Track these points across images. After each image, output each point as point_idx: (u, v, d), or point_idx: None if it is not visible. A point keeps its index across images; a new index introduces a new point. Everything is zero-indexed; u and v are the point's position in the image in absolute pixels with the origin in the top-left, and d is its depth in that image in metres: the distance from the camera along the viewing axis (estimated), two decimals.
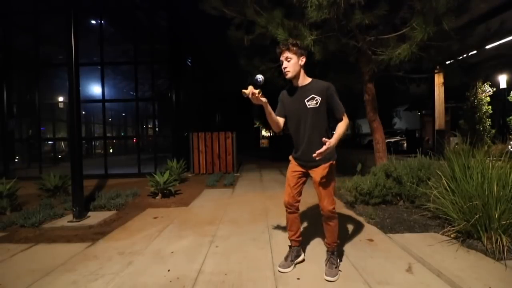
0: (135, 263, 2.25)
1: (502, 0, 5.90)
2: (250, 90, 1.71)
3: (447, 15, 3.21)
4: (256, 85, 1.75)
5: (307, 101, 1.91)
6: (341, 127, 1.88)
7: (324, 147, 1.70)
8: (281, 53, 1.92)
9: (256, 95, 1.72)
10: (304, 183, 2.09)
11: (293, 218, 2.10)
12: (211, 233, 2.91)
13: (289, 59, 1.89)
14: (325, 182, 1.92)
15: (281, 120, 2.04)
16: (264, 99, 1.77)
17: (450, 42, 4.06)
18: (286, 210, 2.10)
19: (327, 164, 1.92)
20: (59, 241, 2.82)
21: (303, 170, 2.05)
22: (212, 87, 15.37)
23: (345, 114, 1.92)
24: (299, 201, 2.08)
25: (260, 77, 1.76)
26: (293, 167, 2.09)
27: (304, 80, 1.96)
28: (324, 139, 1.73)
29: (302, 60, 1.91)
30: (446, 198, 2.62)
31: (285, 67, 1.91)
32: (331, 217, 1.94)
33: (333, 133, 1.89)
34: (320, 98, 1.88)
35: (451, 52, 4.53)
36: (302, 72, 1.94)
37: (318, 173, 1.94)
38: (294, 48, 1.88)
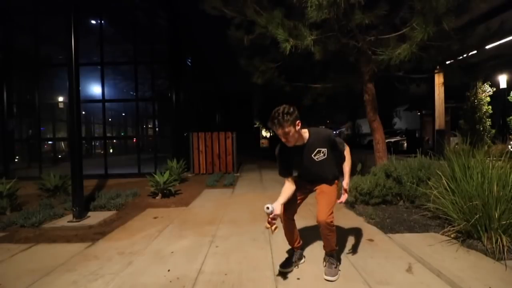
0: (135, 263, 2.25)
1: (502, 0, 5.90)
2: (270, 225, 1.73)
3: (447, 15, 3.20)
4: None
5: (315, 156, 1.90)
6: (347, 165, 2.01)
7: (345, 196, 1.99)
8: (275, 130, 1.77)
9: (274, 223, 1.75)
10: (304, 199, 2.11)
11: (291, 228, 2.05)
12: (211, 233, 2.91)
13: (287, 133, 1.75)
14: (327, 193, 1.95)
15: (292, 180, 1.97)
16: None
17: (450, 42, 4.05)
18: (282, 222, 2.01)
19: (333, 181, 2.02)
20: (59, 241, 2.82)
21: (308, 187, 2.08)
22: (212, 87, 15.38)
23: (346, 146, 2.00)
24: (295, 214, 2.05)
25: (270, 207, 1.73)
26: (298, 183, 2.04)
27: (304, 136, 1.88)
28: (344, 187, 1.98)
29: (298, 125, 1.78)
30: (446, 198, 2.62)
31: (286, 140, 1.81)
32: (328, 229, 1.89)
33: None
34: (325, 149, 1.90)
35: (451, 52, 4.53)
36: (300, 132, 1.84)
37: (323, 185, 2.00)
38: (288, 121, 1.72)
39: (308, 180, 2.06)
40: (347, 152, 2.00)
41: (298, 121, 1.77)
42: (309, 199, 2.21)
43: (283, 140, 1.83)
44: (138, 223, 3.36)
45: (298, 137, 1.83)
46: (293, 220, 2.05)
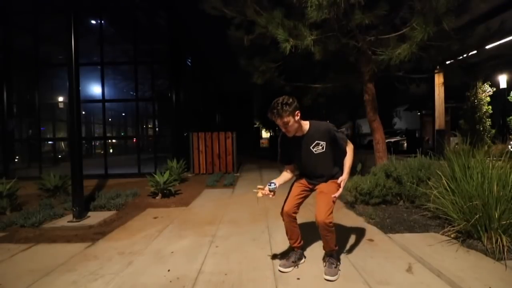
0: (135, 263, 2.25)
1: (502, 0, 5.90)
2: (261, 192, 1.93)
3: (447, 15, 3.21)
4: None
5: (313, 148, 1.93)
6: (348, 160, 1.98)
7: (340, 190, 1.94)
8: (274, 120, 1.84)
9: (271, 196, 1.95)
10: (306, 197, 2.11)
11: (292, 226, 2.04)
12: (211, 233, 2.91)
13: (286, 123, 1.82)
14: (327, 194, 1.92)
15: (291, 169, 2.13)
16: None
17: (450, 42, 4.05)
18: (283, 220, 2.03)
19: (334, 179, 2.01)
20: (59, 241, 2.82)
21: (309, 186, 2.09)
22: (212, 87, 15.38)
23: (348, 143, 1.99)
24: (297, 213, 2.03)
25: (274, 184, 1.95)
26: (300, 180, 2.12)
27: (304, 127, 1.93)
28: (339, 180, 1.95)
29: (298, 115, 1.84)
30: (446, 198, 2.62)
31: (285, 130, 1.89)
32: (327, 230, 1.86)
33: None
34: (324, 143, 1.93)
35: (451, 52, 4.53)
36: (300, 123, 1.89)
37: (324, 184, 2.01)
38: (287, 112, 1.78)
39: (308, 175, 2.08)
40: (349, 149, 1.98)
41: (297, 112, 1.83)
42: (309, 199, 2.21)
43: (283, 130, 1.91)
44: (138, 223, 3.36)
45: (297, 127, 1.90)
46: (295, 219, 2.05)
